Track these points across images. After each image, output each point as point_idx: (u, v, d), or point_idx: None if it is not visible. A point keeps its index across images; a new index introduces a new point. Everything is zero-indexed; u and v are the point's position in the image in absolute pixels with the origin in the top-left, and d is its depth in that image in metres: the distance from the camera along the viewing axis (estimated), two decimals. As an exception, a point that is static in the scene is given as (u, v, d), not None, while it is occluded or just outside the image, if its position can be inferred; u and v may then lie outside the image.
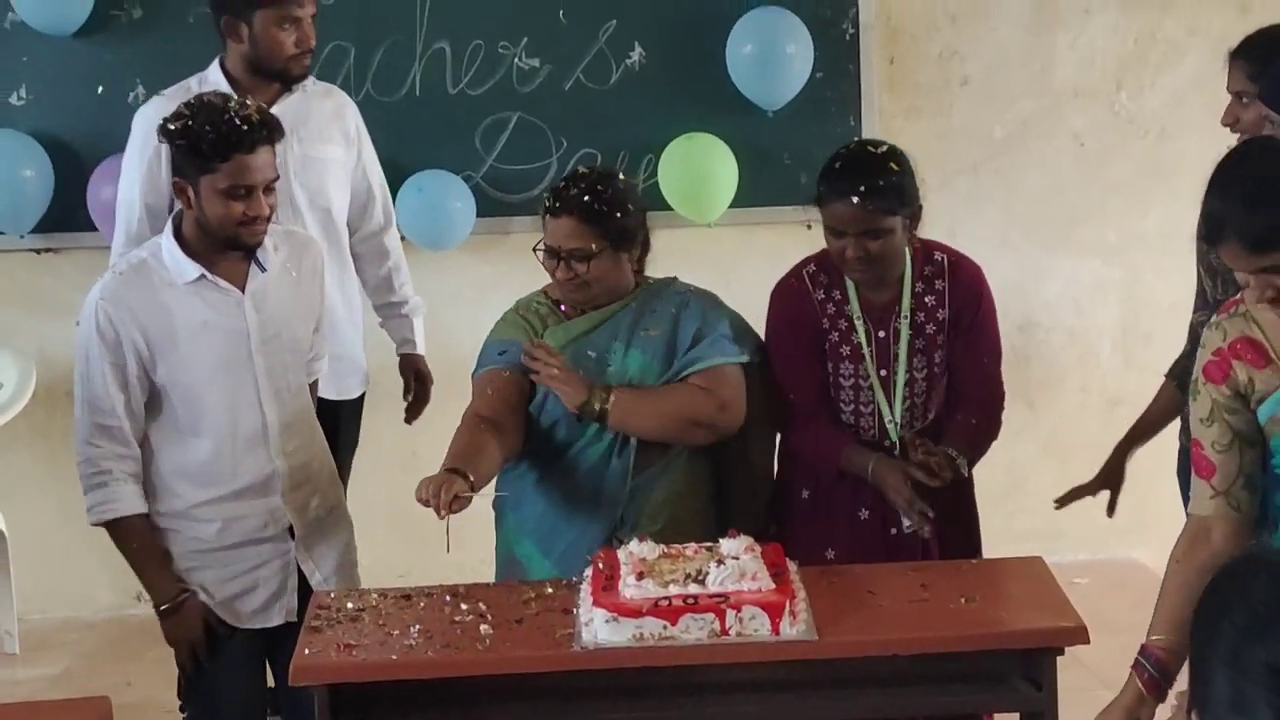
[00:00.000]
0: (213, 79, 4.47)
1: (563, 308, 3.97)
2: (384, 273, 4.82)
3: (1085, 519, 6.01)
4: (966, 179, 5.98)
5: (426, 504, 3.51)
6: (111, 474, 3.71)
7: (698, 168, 5.75)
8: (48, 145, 5.64)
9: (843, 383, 3.95)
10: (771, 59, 5.71)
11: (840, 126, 5.81)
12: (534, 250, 3.88)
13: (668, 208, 5.72)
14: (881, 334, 3.93)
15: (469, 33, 5.77)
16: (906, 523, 3.79)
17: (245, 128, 3.64)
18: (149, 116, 4.46)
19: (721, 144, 5.73)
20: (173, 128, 3.68)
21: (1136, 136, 6.06)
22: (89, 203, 5.59)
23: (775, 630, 3.26)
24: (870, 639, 3.31)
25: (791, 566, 3.48)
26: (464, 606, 3.47)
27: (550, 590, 3.55)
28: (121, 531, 3.75)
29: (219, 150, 3.62)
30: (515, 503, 3.94)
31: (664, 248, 5.58)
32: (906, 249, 3.90)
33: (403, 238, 5.08)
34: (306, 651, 3.32)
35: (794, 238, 5.77)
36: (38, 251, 5.79)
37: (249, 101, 3.80)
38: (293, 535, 3.89)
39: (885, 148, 3.88)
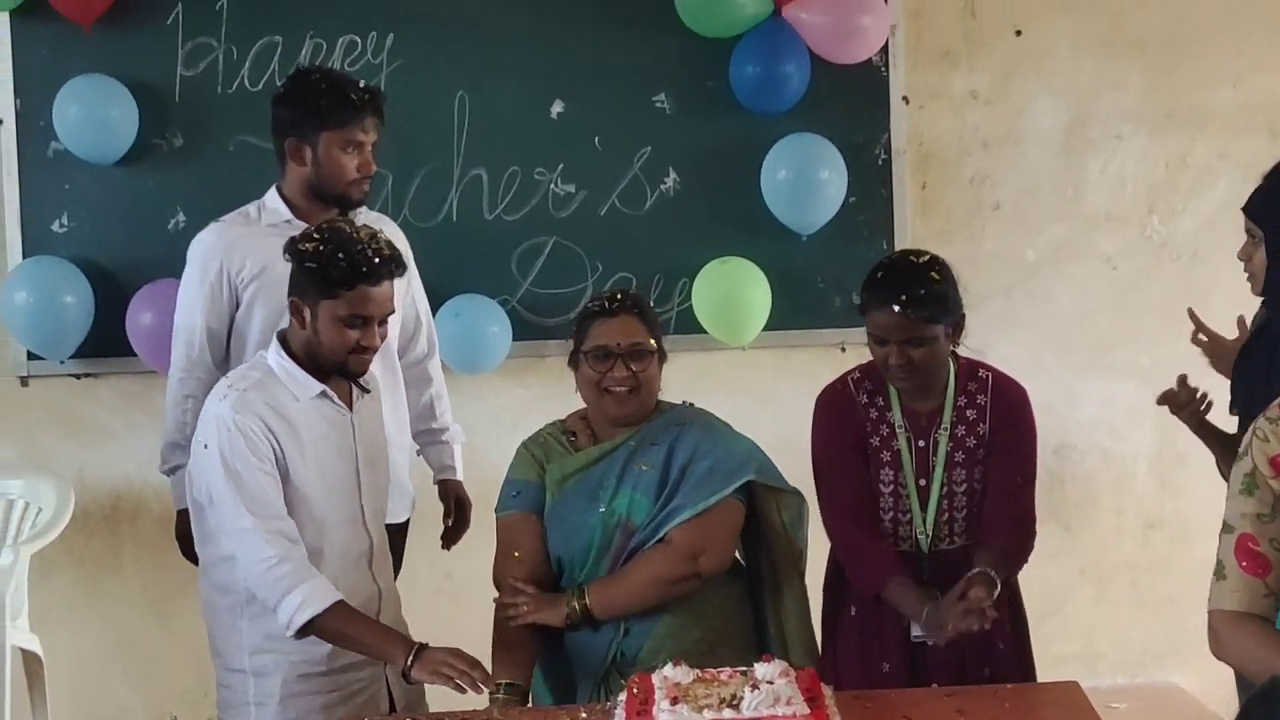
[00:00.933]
0: (270, 204, 4.54)
1: (572, 437, 4.00)
2: (426, 400, 4.87)
3: (1123, 642, 5.99)
4: (999, 302, 6.00)
5: None
6: (294, 573, 3.65)
7: (732, 291, 5.78)
8: (88, 271, 5.68)
9: (882, 489, 4.00)
10: (805, 184, 5.74)
11: (873, 250, 5.83)
12: (581, 355, 3.91)
13: (702, 331, 5.76)
14: (921, 443, 3.98)
15: (505, 159, 5.83)
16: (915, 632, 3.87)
17: (376, 260, 3.73)
18: (208, 242, 4.57)
19: (755, 268, 5.77)
20: (303, 248, 3.76)
21: (1169, 260, 6.09)
22: (128, 328, 5.63)
23: (810, 755, 3.25)
24: (906, 765, 3.31)
25: (827, 691, 3.47)
26: (499, 731, 3.48)
27: (584, 715, 3.56)
28: (326, 622, 3.67)
29: (346, 278, 3.70)
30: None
31: (699, 370, 5.65)
32: (951, 361, 3.95)
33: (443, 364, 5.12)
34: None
35: (829, 360, 5.81)
36: (77, 377, 5.82)
37: (379, 234, 3.85)
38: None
39: (927, 257, 3.97)
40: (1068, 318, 6.08)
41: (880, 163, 5.91)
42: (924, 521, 3.97)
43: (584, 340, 3.93)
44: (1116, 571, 6.14)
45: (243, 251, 4.49)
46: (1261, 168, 4.18)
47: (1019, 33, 5.99)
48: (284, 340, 3.86)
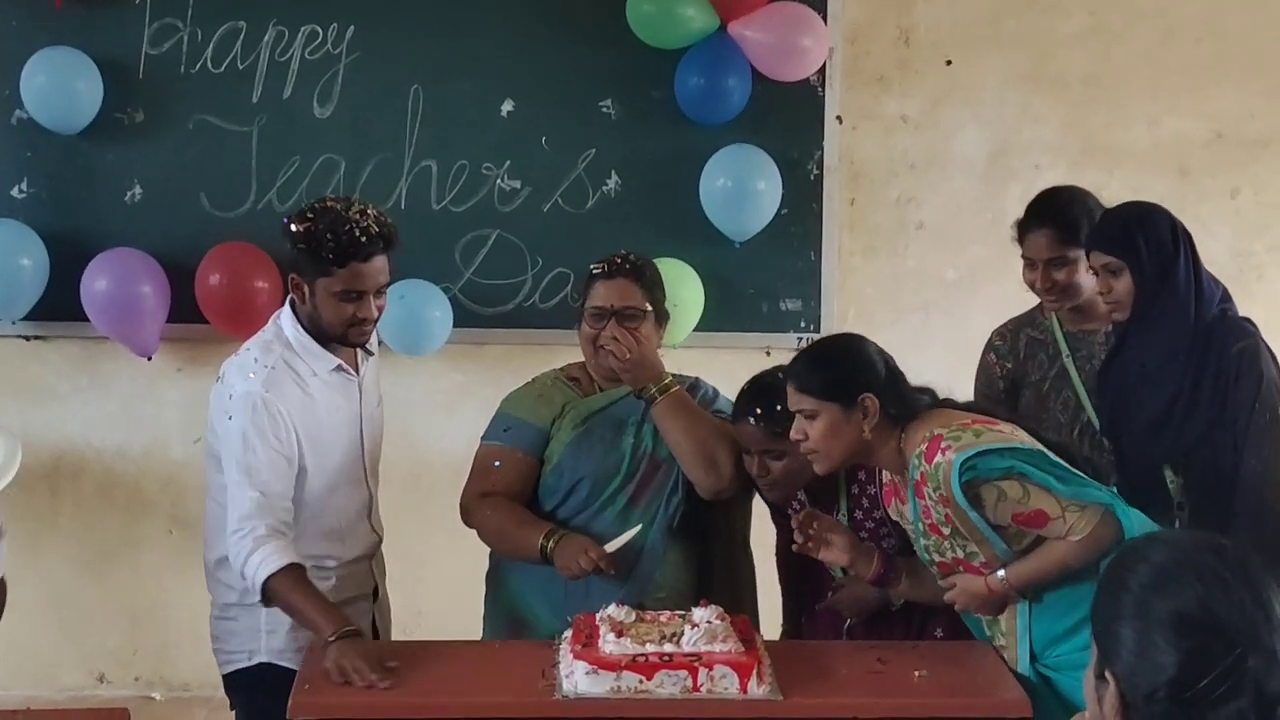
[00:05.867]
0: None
1: (576, 383, 4.23)
2: None
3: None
4: (918, 317, 6.26)
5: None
6: (263, 538, 3.77)
7: (667, 291, 5.99)
8: (45, 237, 5.83)
9: None
10: (741, 193, 5.97)
11: (801, 260, 6.10)
12: (583, 311, 4.15)
13: (635, 328, 5.98)
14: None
15: (455, 153, 6.03)
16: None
17: (363, 239, 3.87)
18: None
19: (690, 270, 5.98)
20: (295, 229, 3.90)
21: (1079, 285, 6.37)
22: (81, 294, 5.79)
23: (744, 689, 3.48)
24: (832, 702, 3.54)
25: (758, 637, 3.72)
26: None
27: (530, 649, 3.78)
28: (278, 585, 3.75)
29: (337, 257, 3.85)
30: (516, 565, 4.13)
31: (630, 364, 5.82)
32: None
33: (381, 342, 5.29)
34: (307, 687, 3.52)
35: (752, 362, 6.03)
36: (26, 338, 5.98)
37: (369, 209, 3.97)
38: (374, 597, 4.14)
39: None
40: (981, 336, 6.33)
41: (812, 178, 6.15)
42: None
43: (585, 299, 4.18)
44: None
45: None
46: (1171, 204, 4.47)
47: (949, 63, 6.26)
48: (295, 310, 4.00)
